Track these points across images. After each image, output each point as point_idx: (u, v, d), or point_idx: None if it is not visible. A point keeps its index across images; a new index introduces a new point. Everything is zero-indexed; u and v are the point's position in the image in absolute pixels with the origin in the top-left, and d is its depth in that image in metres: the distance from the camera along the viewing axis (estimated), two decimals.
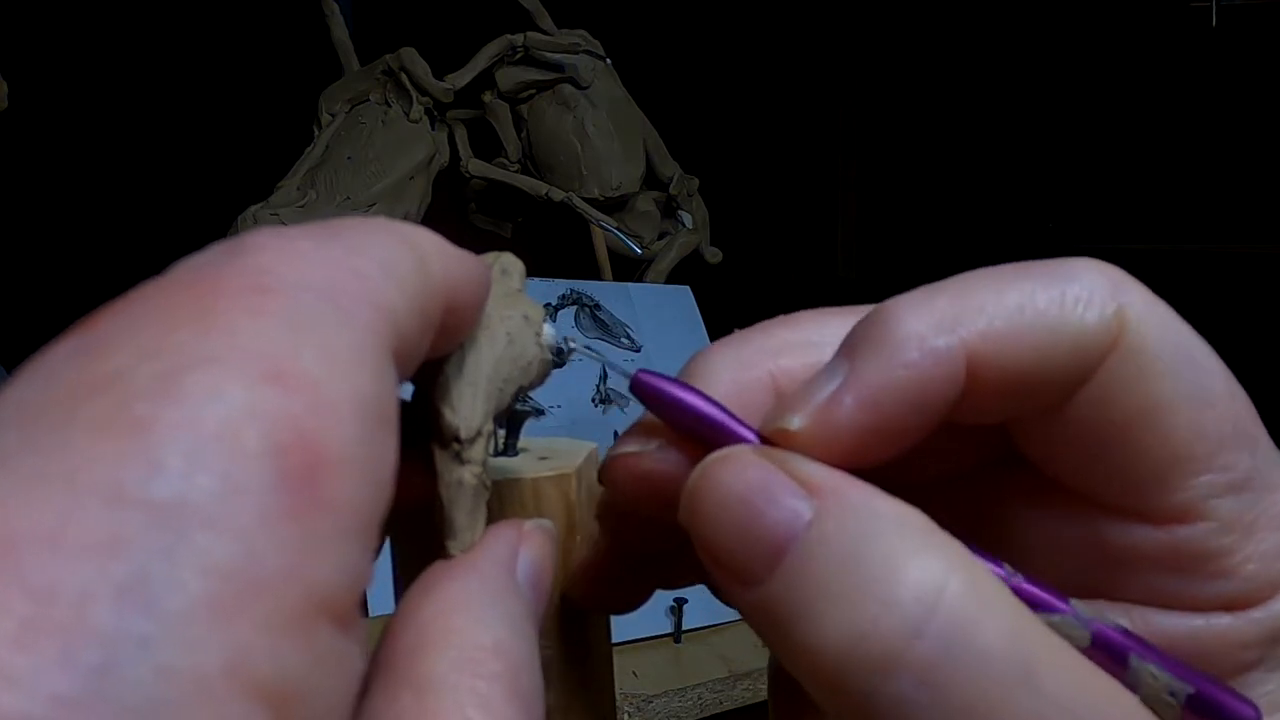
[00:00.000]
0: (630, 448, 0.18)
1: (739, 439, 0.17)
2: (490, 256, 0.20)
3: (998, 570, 0.15)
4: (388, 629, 0.16)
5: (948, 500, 0.19)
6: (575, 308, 0.82)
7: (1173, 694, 0.14)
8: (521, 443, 0.22)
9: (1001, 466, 0.18)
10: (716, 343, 0.19)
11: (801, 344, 0.18)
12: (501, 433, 0.22)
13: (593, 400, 0.78)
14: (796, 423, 0.16)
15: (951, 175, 1.38)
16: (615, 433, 0.78)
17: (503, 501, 0.20)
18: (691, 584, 0.20)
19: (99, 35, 0.90)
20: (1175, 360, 0.16)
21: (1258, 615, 0.16)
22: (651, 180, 0.94)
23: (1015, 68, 1.31)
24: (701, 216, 0.97)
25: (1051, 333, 0.16)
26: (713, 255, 0.96)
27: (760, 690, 0.65)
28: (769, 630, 0.15)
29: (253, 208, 0.76)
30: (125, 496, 0.11)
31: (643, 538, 0.19)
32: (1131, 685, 0.14)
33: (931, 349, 0.16)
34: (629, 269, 0.92)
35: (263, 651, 0.11)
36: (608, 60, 0.91)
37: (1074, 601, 0.15)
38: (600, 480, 0.19)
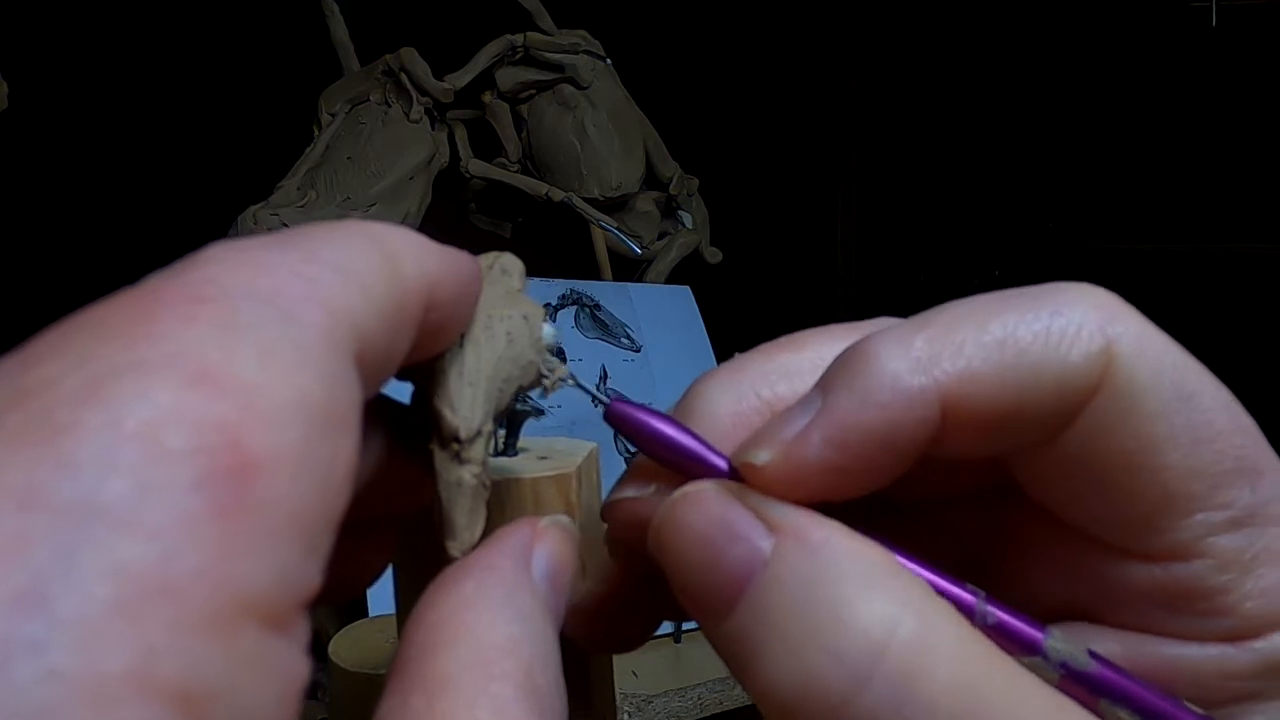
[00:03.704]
0: (628, 493, 0.18)
1: (712, 469, 0.17)
2: (490, 256, 0.20)
3: (968, 600, 0.15)
4: (403, 631, 0.16)
5: (947, 520, 0.19)
6: (575, 308, 0.82)
7: None
8: (521, 443, 0.22)
9: (1000, 491, 0.18)
10: (717, 368, 0.19)
11: (799, 369, 0.18)
12: (501, 433, 0.22)
13: (593, 400, 0.78)
14: (763, 457, 0.16)
15: (952, 175, 1.38)
16: (615, 433, 0.79)
17: (502, 502, 0.20)
18: None
19: (99, 35, 0.90)
20: (1168, 397, 0.15)
21: (1257, 646, 0.15)
22: (651, 180, 0.94)
23: (1015, 68, 1.31)
24: (701, 216, 0.97)
25: (1034, 371, 0.15)
26: (713, 255, 0.96)
27: None
28: (732, 665, 0.15)
29: (253, 208, 0.76)
30: (35, 499, 0.11)
31: (650, 573, 0.19)
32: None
33: (904, 389, 0.15)
34: (629, 269, 0.92)
35: (173, 654, 0.11)
36: (608, 60, 0.91)
37: (1052, 631, 0.15)
38: (603, 521, 0.19)
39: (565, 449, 0.22)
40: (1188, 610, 0.15)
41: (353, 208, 0.78)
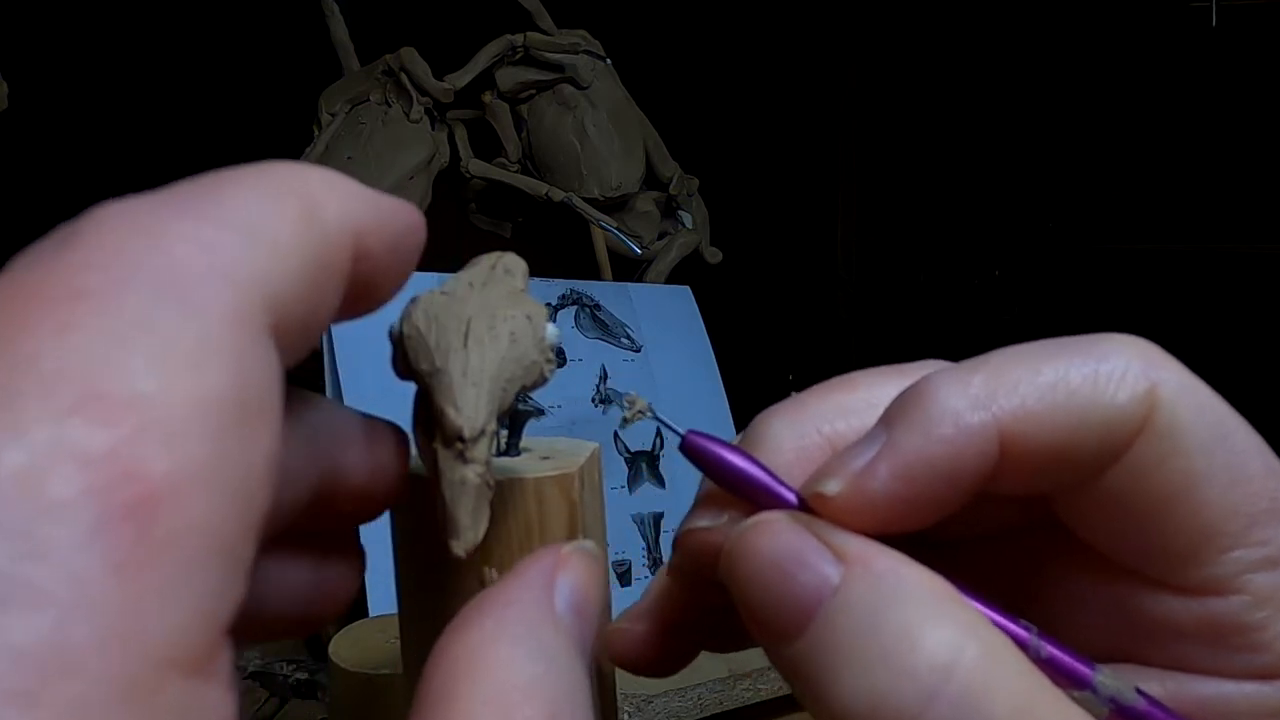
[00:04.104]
0: (702, 522, 0.19)
1: (781, 501, 0.17)
2: (493, 256, 0.20)
3: (1022, 635, 0.16)
4: (424, 669, 0.15)
5: (988, 557, 0.20)
6: (575, 308, 0.82)
7: None
8: (523, 443, 0.22)
9: (1041, 529, 0.19)
10: (775, 407, 0.19)
11: (855, 408, 0.19)
12: (504, 433, 0.22)
13: (593, 400, 0.78)
14: (833, 488, 0.16)
15: (952, 175, 1.38)
16: (615, 433, 0.78)
17: (505, 502, 0.20)
18: (741, 649, 0.21)
19: (99, 35, 0.90)
20: (1208, 438, 0.16)
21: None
22: (651, 180, 0.94)
23: (1015, 68, 1.31)
24: (701, 216, 0.97)
25: (1084, 411, 0.16)
26: (713, 255, 0.96)
27: (760, 690, 0.65)
28: (800, 686, 0.16)
29: None
30: None
31: (707, 602, 0.20)
32: None
33: (966, 425, 0.16)
34: (629, 269, 0.92)
35: None
36: (608, 60, 0.91)
37: (1100, 668, 0.16)
38: (674, 549, 0.19)
39: (567, 449, 0.22)
40: (1225, 646, 0.16)
41: None
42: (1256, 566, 0.16)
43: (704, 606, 0.20)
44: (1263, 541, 0.16)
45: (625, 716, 0.61)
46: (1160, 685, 0.17)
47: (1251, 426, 0.16)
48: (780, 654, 0.16)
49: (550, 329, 0.19)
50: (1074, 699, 0.15)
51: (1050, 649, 0.16)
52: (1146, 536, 0.16)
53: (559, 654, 0.15)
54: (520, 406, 0.20)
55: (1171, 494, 0.16)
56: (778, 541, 0.16)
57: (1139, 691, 0.16)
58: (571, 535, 0.20)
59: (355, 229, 0.15)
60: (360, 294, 0.16)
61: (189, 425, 0.11)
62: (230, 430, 0.12)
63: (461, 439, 0.17)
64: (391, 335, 0.19)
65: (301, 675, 0.76)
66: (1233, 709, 0.16)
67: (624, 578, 0.72)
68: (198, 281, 0.12)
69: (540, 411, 0.22)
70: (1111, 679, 0.16)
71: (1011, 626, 0.16)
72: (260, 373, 0.13)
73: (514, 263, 0.20)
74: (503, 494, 0.20)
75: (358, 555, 0.20)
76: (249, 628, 0.18)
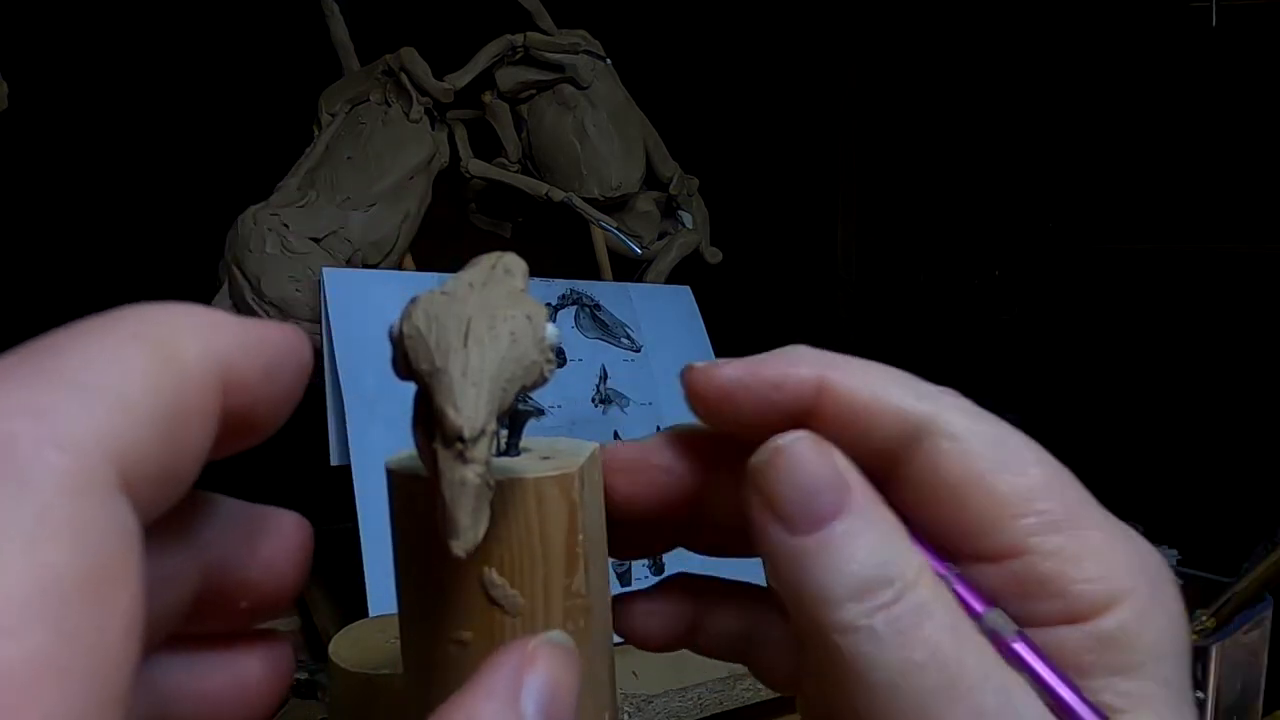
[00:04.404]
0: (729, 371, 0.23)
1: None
2: (493, 256, 0.20)
3: (943, 572, 0.21)
4: None
5: None
6: (575, 308, 0.82)
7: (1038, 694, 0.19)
8: (523, 443, 0.22)
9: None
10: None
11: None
12: (504, 433, 0.22)
13: (593, 400, 0.78)
14: (699, 365, 0.22)
15: (951, 175, 1.38)
16: (615, 433, 0.78)
17: (505, 502, 0.20)
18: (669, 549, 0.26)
19: (99, 35, 0.90)
20: (989, 440, 0.21)
21: (1088, 628, 0.20)
22: (651, 180, 0.94)
23: (1015, 68, 1.32)
24: (701, 216, 0.97)
25: (883, 399, 0.21)
26: (713, 255, 0.96)
27: (760, 690, 0.65)
28: (793, 569, 0.20)
29: (253, 208, 0.76)
30: None
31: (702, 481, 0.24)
32: None
33: (798, 359, 0.22)
34: (629, 269, 0.92)
35: None
36: (608, 60, 0.91)
37: (992, 608, 0.20)
38: (683, 381, 0.23)
39: (567, 449, 0.22)
40: (1033, 598, 0.20)
41: (352, 208, 0.78)
42: (1040, 530, 0.20)
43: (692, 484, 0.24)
44: (1041, 511, 0.20)
45: (625, 716, 0.61)
46: None
47: (1028, 438, 0.21)
48: (785, 541, 0.20)
49: (550, 329, 0.19)
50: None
51: (959, 586, 0.20)
52: (956, 516, 0.21)
53: None
54: (520, 406, 0.20)
55: (966, 481, 0.20)
56: (817, 458, 0.20)
57: (1019, 633, 0.20)
58: (571, 535, 0.20)
59: (221, 363, 0.15)
60: (239, 426, 0.16)
61: (25, 617, 0.11)
62: (76, 608, 0.11)
63: (461, 439, 0.17)
64: (391, 335, 0.19)
65: (301, 675, 0.76)
66: (1055, 650, 0.20)
67: (624, 578, 0.72)
68: (31, 454, 0.12)
69: (540, 411, 0.22)
70: (1000, 617, 0.20)
71: (939, 566, 0.21)
72: (109, 537, 0.12)
73: (514, 263, 0.20)
74: (503, 494, 0.20)
75: (277, 648, 0.20)
76: None
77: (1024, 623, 0.20)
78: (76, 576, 0.12)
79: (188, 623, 0.18)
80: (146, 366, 0.14)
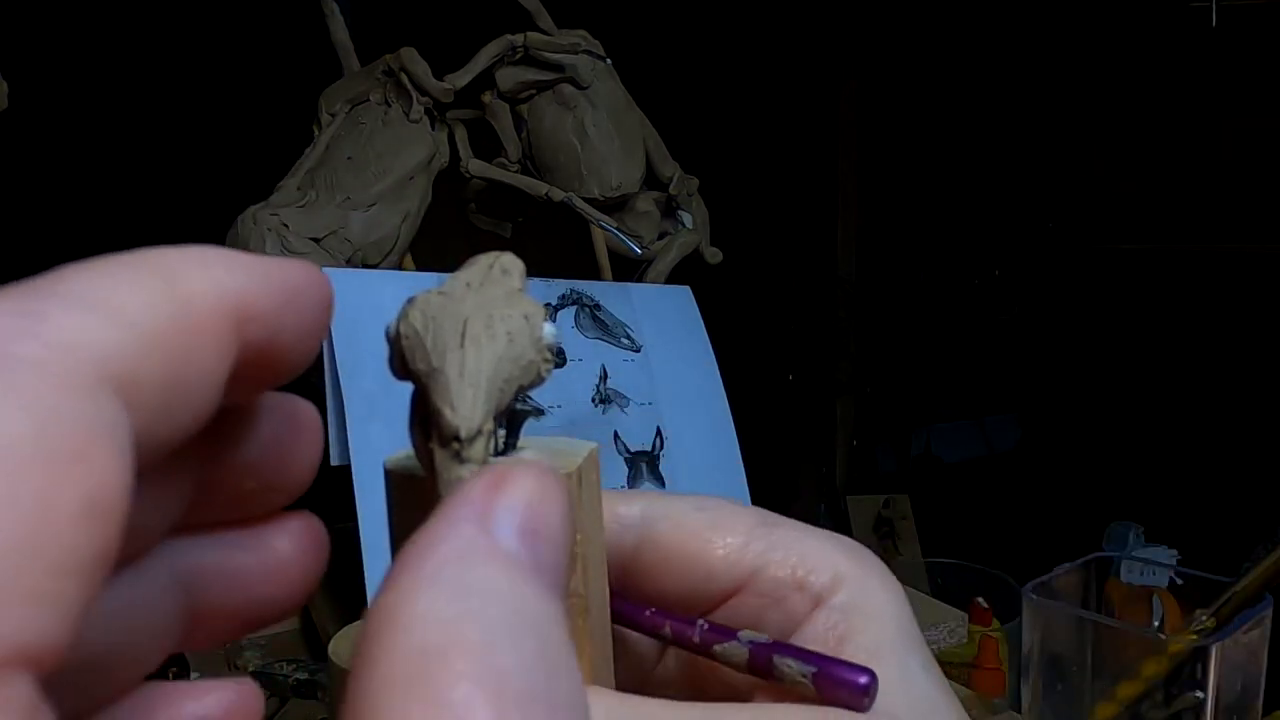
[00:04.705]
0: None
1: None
2: (490, 256, 0.20)
3: (685, 622, 0.23)
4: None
5: None
6: (575, 308, 0.82)
7: (804, 675, 0.21)
8: (521, 443, 0.22)
9: None
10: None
11: None
12: (502, 433, 0.22)
13: (592, 400, 0.78)
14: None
15: (952, 175, 1.38)
16: (615, 433, 0.78)
17: None
18: None
19: (99, 35, 0.90)
20: (693, 512, 0.24)
21: (830, 605, 0.22)
22: (651, 180, 0.94)
23: (1015, 68, 1.31)
24: (701, 216, 0.97)
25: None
26: (713, 255, 0.96)
27: None
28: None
29: (253, 208, 0.76)
30: None
31: None
32: (778, 676, 0.21)
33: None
34: (629, 269, 0.92)
35: None
36: (608, 60, 0.91)
37: (741, 631, 0.22)
38: None
39: (565, 449, 0.22)
40: (783, 600, 0.23)
41: (352, 208, 0.78)
42: (763, 552, 0.23)
43: None
44: (758, 538, 0.23)
45: None
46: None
47: (735, 502, 0.24)
48: None
49: (548, 328, 0.19)
50: (724, 647, 0.22)
51: (707, 626, 0.22)
52: (692, 572, 0.23)
53: (495, 588, 0.14)
54: (518, 406, 0.20)
55: (685, 544, 0.23)
56: None
57: (770, 640, 0.22)
58: (567, 537, 0.20)
59: (232, 291, 0.15)
60: (262, 360, 0.16)
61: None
62: (24, 479, 0.12)
63: (458, 439, 0.17)
64: (388, 335, 0.19)
65: (301, 675, 0.76)
66: (816, 632, 0.22)
67: None
68: (10, 344, 0.12)
69: (539, 411, 0.22)
70: (748, 633, 0.22)
71: (681, 623, 0.23)
72: (81, 416, 0.12)
73: (511, 262, 0.20)
74: None
75: (308, 524, 0.19)
76: (195, 635, 0.18)
77: (786, 627, 0.23)
78: (32, 448, 0.12)
79: (197, 510, 0.18)
80: (148, 288, 0.14)
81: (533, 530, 0.15)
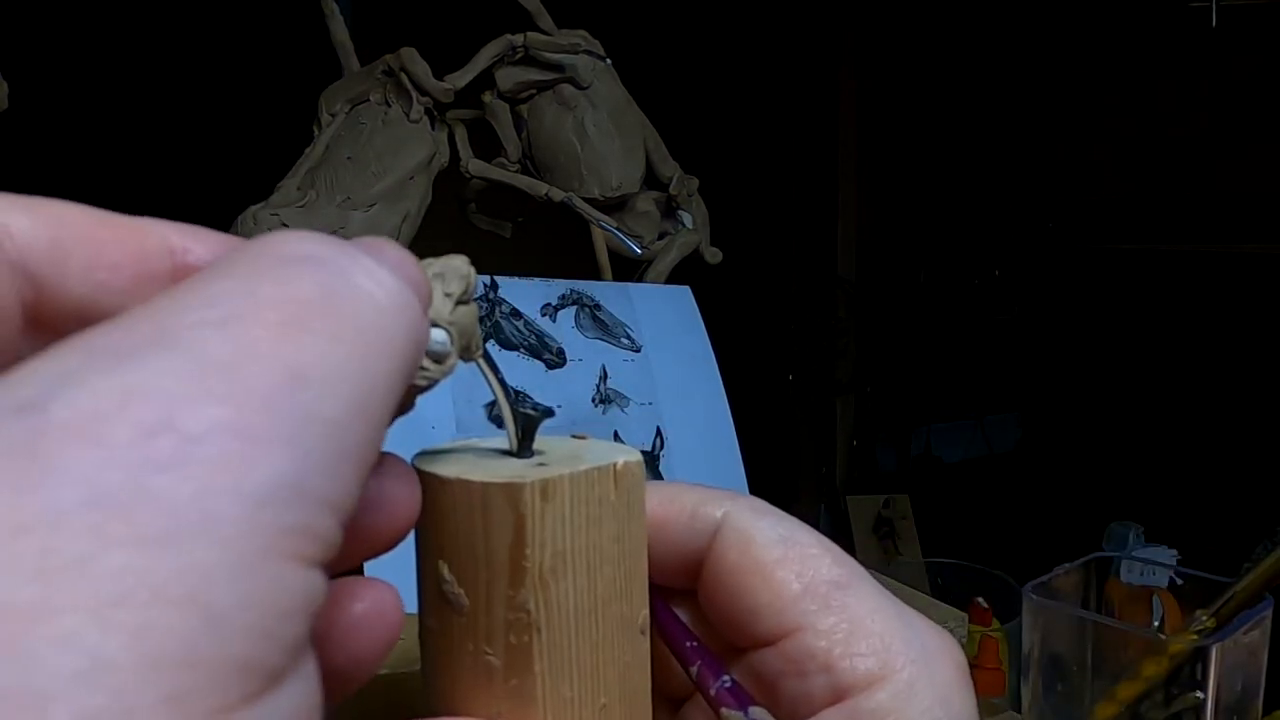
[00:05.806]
0: None
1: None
2: (435, 262, 0.20)
3: (714, 676, 0.22)
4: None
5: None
6: (575, 308, 0.82)
7: None
8: (544, 444, 0.22)
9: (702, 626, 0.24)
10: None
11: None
12: (514, 436, 0.22)
13: (593, 400, 0.78)
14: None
15: (952, 175, 1.38)
16: (615, 433, 0.78)
17: (455, 500, 0.20)
18: None
19: (99, 35, 0.90)
20: (773, 538, 0.22)
21: (848, 707, 0.20)
22: (651, 180, 0.94)
23: (1015, 68, 1.32)
24: (701, 216, 0.97)
25: (681, 505, 0.23)
26: (713, 255, 0.96)
27: None
28: None
29: (253, 208, 0.76)
30: None
31: None
32: None
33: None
34: (629, 269, 0.92)
35: None
36: (608, 60, 0.91)
37: (753, 708, 0.21)
38: None
39: (569, 456, 0.21)
40: (806, 673, 0.21)
41: (352, 208, 0.78)
42: (814, 612, 0.21)
43: None
44: (819, 595, 0.21)
45: None
46: None
47: (813, 531, 0.22)
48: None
49: (436, 335, 0.19)
50: (730, 714, 0.21)
51: (726, 689, 0.21)
52: (740, 602, 0.22)
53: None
54: (526, 409, 0.20)
55: (746, 569, 0.22)
56: None
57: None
58: (518, 551, 0.19)
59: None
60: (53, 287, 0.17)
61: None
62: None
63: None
64: None
65: None
66: None
67: None
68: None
69: (549, 412, 0.21)
70: (759, 711, 0.21)
71: (711, 674, 0.22)
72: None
73: (446, 266, 0.20)
74: (453, 492, 0.19)
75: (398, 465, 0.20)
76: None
77: (799, 708, 0.21)
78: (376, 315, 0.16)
79: None
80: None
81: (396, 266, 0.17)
